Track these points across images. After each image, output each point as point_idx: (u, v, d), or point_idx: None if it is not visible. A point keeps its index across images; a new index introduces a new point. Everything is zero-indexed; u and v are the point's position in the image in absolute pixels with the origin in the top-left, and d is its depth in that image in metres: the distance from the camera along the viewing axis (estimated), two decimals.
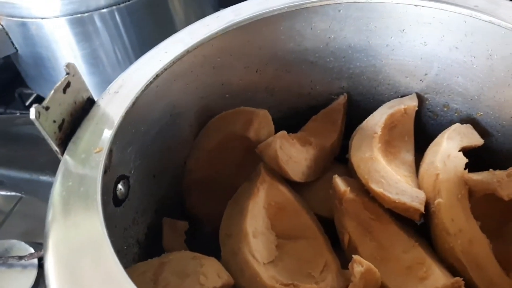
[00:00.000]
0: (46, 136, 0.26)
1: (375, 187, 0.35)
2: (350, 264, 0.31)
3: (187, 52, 0.34)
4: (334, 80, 0.43)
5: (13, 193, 0.58)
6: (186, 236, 0.39)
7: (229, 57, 0.39)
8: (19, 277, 0.49)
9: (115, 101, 0.30)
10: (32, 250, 0.50)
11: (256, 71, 0.41)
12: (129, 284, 0.21)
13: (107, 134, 0.28)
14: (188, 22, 0.38)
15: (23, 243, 0.52)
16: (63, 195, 0.25)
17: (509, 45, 0.33)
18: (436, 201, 0.33)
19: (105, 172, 0.31)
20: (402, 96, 0.42)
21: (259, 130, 0.39)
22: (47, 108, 0.26)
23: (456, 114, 0.40)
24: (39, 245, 0.52)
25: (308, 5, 0.37)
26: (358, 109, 0.44)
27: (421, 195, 0.34)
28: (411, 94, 0.41)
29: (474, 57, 0.36)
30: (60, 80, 0.28)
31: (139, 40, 0.66)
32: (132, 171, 0.35)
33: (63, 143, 0.28)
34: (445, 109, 0.41)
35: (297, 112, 0.46)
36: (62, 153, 0.28)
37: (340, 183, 0.36)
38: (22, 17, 0.60)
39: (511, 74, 0.34)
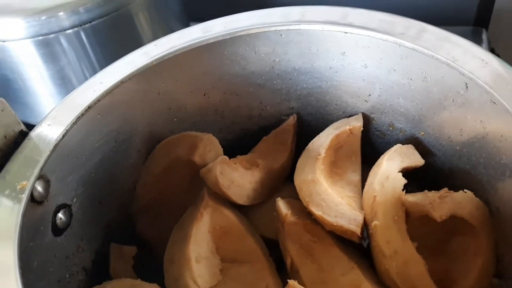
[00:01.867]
0: None
1: (315, 210, 0.35)
2: None
3: (121, 82, 0.34)
4: (283, 101, 0.44)
5: None
6: (135, 261, 0.39)
7: (174, 83, 0.39)
8: None
9: (48, 132, 0.30)
10: None
11: (204, 95, 0.42)
12: None
13: (36, 167, 0.29)
14: (155, 38, 0.39)
15: None
16: None
17: (439, 70, 0.33)
18: (372, 223, 0.34)
19: (41, 203, 0.31)
20: (350, 116, 0.43)
21: (204, 154, 0.39)
22: None
23: (401, 133, 0.41)
24: None
25: (249, 31, 0.38)
26: (309, 129, 0.45)
27: (359, 217, 0.34)
28: (357, 114, 0.42)
29: (411, 79, 0.37)
30: None
31: (107, 58, 0.66)
32: (75, 200, 0.35)
33: None
34: (391, 128, 0.41)
35: (249, 133, 0.46)
36: None
37: (282, 206, 0.36)
38: None
39: (445, 97, 0.35)
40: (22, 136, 0.31)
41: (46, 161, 0.29)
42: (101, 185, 0.38)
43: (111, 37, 0.65)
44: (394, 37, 0.33)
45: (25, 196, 0.27)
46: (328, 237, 0.36)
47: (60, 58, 0.63)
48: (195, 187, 0.41)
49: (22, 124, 0.31)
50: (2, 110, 0.29)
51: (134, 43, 0.69)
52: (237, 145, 0.44)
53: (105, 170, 0.38)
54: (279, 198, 0.37)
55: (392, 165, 0.36)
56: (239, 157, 0.41)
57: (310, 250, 0.36)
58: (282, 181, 0.42)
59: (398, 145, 0.38)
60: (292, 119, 0.44)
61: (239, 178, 0.38)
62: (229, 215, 0.38)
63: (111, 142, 0.38)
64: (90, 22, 0.62)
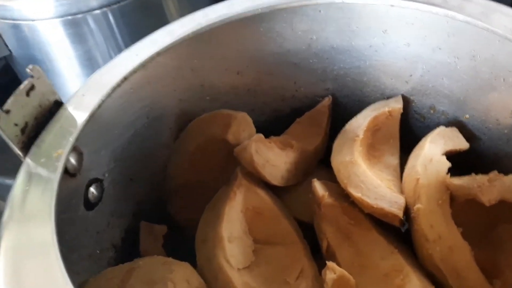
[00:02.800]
0: (7, 140, 0.26)
1: (354, 191, 0.34)
2: (323, 271, 0.30)
3: (158, 55, 0.33)
4: (318, 82, 0.42)
5: None
6: (165, 241, 0.39)
7: (208, 59, 0.38)
8: None
9: (82, 103, 0.30)
10: None
11: (237, 73, 0.41)
12: None
13: (73, 135, 0.28)
14: None
15: None
16: (20, 198, 0.25)
17: (491, 46, 0.31)
18: (415, 207, 0.32)
19: (74, 175, 0.30)
20: (388, 98, 0.41)
21: (238, 133, 0.38)
22: (7, 112, 0.26)
23: (443, 117, 0.39)
24: None
25: (285, 6, 0.36)
26: (344, 111, 0.43)
27: (400, 200, 0.33)
28: (397, 96, 0.40)
29: (457, 58, 0.35)
30: (23, 83, 0.27)
31: (133, 40, 0.65)
32: (106, 175, 0.35)
33: (26, 147, 0.27)
34: (432, 111, 0.39)
35: (281, 115, 0.45)
36: (24, 156, 0.27)
37: (319, 187, 0.35)
38: (14, 19, 0.60)
39: (494, 76, 0.33)
40: (56, 106, 0.30)
41: (80, 132, 0.28)
42: (132, 162, 0.37)
43: (138, 18, 0.64)
44: (444, 9, 0.31)
45: (61, 164, 0.26)
46: (366, 220, 0.35)
47: (87, 39, 0.63)
48: (227, 167, 0.40)
49: (57, 94, 0.30)
50: (38, 78, 0.28)
51: (161, 25, 0.69)
52: (268, 127, 0.43)
53: (136, 146, 0.37)
54: (315, 179, 0.36)
55: (435, 148, 0.35)
56: (273, 138, 0.40)
57: (347, 233, 0.34)
58: (315, 165, 0.41)
59: (441, 127, 0.37)
60: (327, 101, 0.42)
61: (274, 158, 0.37)
62: (263, 196, 0.37)
63: (143, 118, 0.37)
64: (118, 2, 0.62)
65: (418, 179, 0.33)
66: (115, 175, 0.36)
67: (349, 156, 0.36)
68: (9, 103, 0.26)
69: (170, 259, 0.33)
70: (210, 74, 0.39)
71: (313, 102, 0.44)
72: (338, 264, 0.33)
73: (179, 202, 0.41)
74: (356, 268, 0.33)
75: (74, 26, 0.61)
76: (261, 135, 0.38)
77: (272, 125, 0.44)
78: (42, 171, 0.26)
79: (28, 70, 0.27)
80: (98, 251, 0.34)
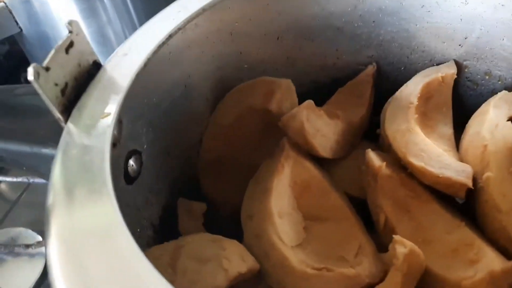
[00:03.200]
0: (47, 101, 0.23)
1: (415, 161, 0.31)
2: (391, 245, 0.28)
3: (203, 10, 0.30)
4: (362, 49, 0.39)
5: (20, 179, 0.55)
6: (204, 219, 0.36)
7: (247, 22, 0.35)
8: (26, 267, 0.47)
9: (124, 63, 0.27)
10: (40, 238, 0.48)
11: (277, 39, 0.38)
12: (151, 272, 0.18)
13: (116, 99, 0.25)
14: None
15: (30, 231, 0.49)
16: (66, 168, 0.22)
17: None
18: (484, 175, 0.30)
19: (114, 145, 0.27)
20: (437, 64, 0.38)
21: (281, 102, 0.35)
22: (47, 69, 0.23)
23: (499, 82, 0.36)
24: None
25: None
26: (387, 81, 0.41)
27: (468, 168, 0.30)
28: (448, 61, 0.37)
29: None
30: (61, 38, 0.24)
31: (148, 17, 0.63)
32: (145, 146, 0.32)
33: (67, 110, 0.25)
34: (487, 77, 0.37)
35: (321, 86, 0.42)
36: (66, 121, 0.24)
37: (374, 158, 0.32)
38: None
39: None
40: (95, 67, 0.27)
41: (126, 94, 0.25)
42: (169, 134, 0.34)
43: None
44: None
45: (109, 130, 0.23)
46: (425, 193, 0.32)
47: (100, 15, 0.60)
48: (266, 140, 0.37)
49: (95, 54, 0.27)
50: (76, 35, 0.25)
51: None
52: (307, 99, 0.40)
53: (173, 118, 0.34)
54: (369, 149, 0.33)
55: (500, 113, 0.32)
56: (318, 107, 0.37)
57: (406, 207, 0.32)
58: (360, 137, 0.38)
59: (504, 92, 0.34)
60: (371, 69, 0.40)
61: (324, 127, 0.34)
62: (311, 168, 0.34)
63: (180, 86, 0.34)
64: None
65: (485, 146, 0.30)
66: (153, 148, 0.33)
67: (405, 124, 0.33)
68: (48, 60, 0.23)
69: (219, 236, 0.30)
70: (249, 40, 0.37)
71: (355, 72, 0.41)
72: None
73: (212, 179, 0.39)
74: (419, 244, 0.30)
75: (87, 1, 0.58)
76: (311, 102, 0.35)
77: (311, 97, 0.41)
78: (88, 136, 0.23)
79: (66, 25, 0.24)
80: (138, 229, 0.31)
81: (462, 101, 0.39)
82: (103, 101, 0.25)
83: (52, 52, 0.23)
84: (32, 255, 0.47)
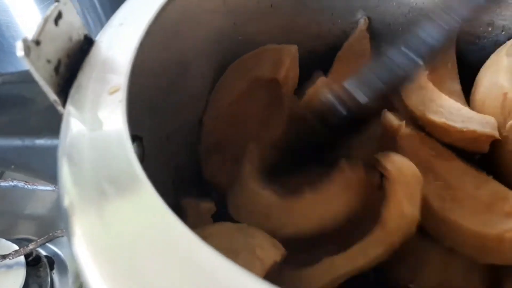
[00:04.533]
0: (41, 81, 0.20)
1: (436, 118, 0.30)
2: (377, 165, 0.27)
3: None
4: (358, 10, 0.38)
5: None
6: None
7: None
8: (4, 279, 0.42)
9: (121, 35, 0.24)
10: (16, 247, 0.43)
11: (271, 6, 0.35)
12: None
13: (119, 75, 0.22)
14: None
15: (3, 240, 0.45)
16: (77, 157, 0.19)
17: None
18: (508, 124, 0.28)
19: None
20: None
21: (289, 70, 0.33)
22: (37, 43, 0.20)
23: (503, 33, 0.35)
24: (24, 241, 0.45)
25: None
26: (385, 42, 0.39)
27: (491, 120, 0.29)
28: None
29: None
30: (49, 9, 0.21)
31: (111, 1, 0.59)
32: (144, 131, 0.29)
33: (63, 91, 0.21)
34: (490, 28, 0.36)
35: (316, 56, 0.40)
36: (63, 104, 0.21)
37: (392, 117, 0.31)
38: None
39: None
40: (87, 43, 0.24)
41: (130, 72, 0.22)
42: (169, 117, 0.31)
43: None
44: None
45: (123, 101, 0.20)
46: (447, 151, 0.31)
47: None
48: (272, 115, 0.35)
49: (85, 28, 0.24)
50: (65, 4, 0.22)
51: None
52: (302, 72, 0.38)
53: (172, 99, 0.31)
54: (385, 110, 0.31)
55: None
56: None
57: (430, 166, 0.30)
58: None
59: None
60: (363, 23, 0.38)
61: None
62: None
63: (177, 63, 0.31)
64: None
65: (505, 94, 0.29)
66: (152, 133, 0.30)
67: (417, 81, 0.32)
68: (37, 32, 0.20)
69: (243, 224, 0.28)
70: (243, 9, 0.34)
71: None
72: (425, 200, 0.29)
73: (215, 163, 0.36)
74: (447, 203, 0.29)
75: None
76: (324, 78, 0.33)
77: (307, 68, 0.39)
78: (95, 120, 0.20)
79: None
80: None
81: (462, 58, 0.38)
82: (103, 80, 0.22)
83: (41, 23, 0.20)
84: (10, 266, 0.43)
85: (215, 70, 0.34)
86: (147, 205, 0.16)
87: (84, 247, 0.16)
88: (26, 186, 0.45)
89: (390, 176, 0.26)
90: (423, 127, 0.31)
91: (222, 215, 0.34)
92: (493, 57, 0.33)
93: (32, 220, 0.48)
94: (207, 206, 0.33)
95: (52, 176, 0.31)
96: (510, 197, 0.28)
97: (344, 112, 0.28)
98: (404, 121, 0.30)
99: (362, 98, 0.27)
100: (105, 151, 0.18)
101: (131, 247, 0.15)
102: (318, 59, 0.40)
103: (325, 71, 0.38)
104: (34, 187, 0.45)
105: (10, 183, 0.45)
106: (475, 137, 0.29)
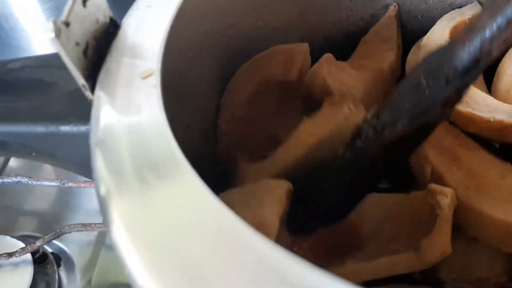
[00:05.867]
0: (70, 65, 0.19)
1: (461, 107, 0.29)
2: (428, 196, 0.26)
3: None
4: None
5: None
6: None
7: None
8: (11, 278, 0.41)
9: (151, 16, 0.23)
10: (22, 245, 0.42)
11: None
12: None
13: (152, 59, 0.21)
14: None
15: (8, 238, 0.43)
16: (112, 144, 0.18)
17: None
18: None
19: None
20: (458, 8, 0.36)
21: (303, 70, 0.32)
22: (67, 24, 0.19)
23: None
24: (28, 238, 0.44)
25: None
26: (404, 30, 0.39)
27: None
28: (471, 3, 0.36)
29: None
30: None
31: None
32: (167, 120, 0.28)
33: (91, 76, 0.21)
34: None
35: (333, 43, 0.39)
36: (92, 89, 0.20)
37: None
38: None
39: None
40: (114, 26, 0.23)
41: (163, 56, 0.22)
42: (188, 102, 0.31)
43: None
44: None
45: (158, 86, 0.19)
46: (470, 140, 0.30)
47: None
48: (284, 112, 0.34)
49: (110, 10, 0.23)
50: None
51: None
52: (315, 56, 0.38)
53: (189, 83, 0.30)
54: None
55: None
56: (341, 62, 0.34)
57: (454, 155, 0.30)
58: (394, 84, 0.36)
59: None
60: (392, 10, 0.37)
61: (349, 79, 0.32)
62: None
63: (196, 47, 0.30)
64: None
65: None
66: (172, 119, 0.29)
67: None
68: (66, 14, 0.19)
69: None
70: None
71: (368, 26, 0.39)
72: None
73: (232, 162, 0.35)
74: (472, 191, 0.29)
75: None
76: (330, 55, 0.32)
77: (320, 55, 0.39)
78: (129, 105, 0.19)
79: None
80: None
81: None
82: (133, 64, 0.21)
83: (70, 4, 0.19)
84: (16, 264, 0.41)
85: (230, 57, 0.34)
86: (192, 192, 0.16)
87: (124, 234, 0.16)
88: (30, 182, 0.44)
89: (441, 213, 0.26)
90: None
91: None
92: None
93: (35, 216, 0.47)
94: None
95: (78, 164, 0.30)
96: None
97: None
98: None
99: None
100: (143, 138, 0.18)
101: (178, 234, 0.15)
102: (335, 46, 0.39)
103: (338, 59, 0.38)
104: (39, 182, 0.43)
105: (14, 179, 0.44)
106: (501, 127, 0.28)
